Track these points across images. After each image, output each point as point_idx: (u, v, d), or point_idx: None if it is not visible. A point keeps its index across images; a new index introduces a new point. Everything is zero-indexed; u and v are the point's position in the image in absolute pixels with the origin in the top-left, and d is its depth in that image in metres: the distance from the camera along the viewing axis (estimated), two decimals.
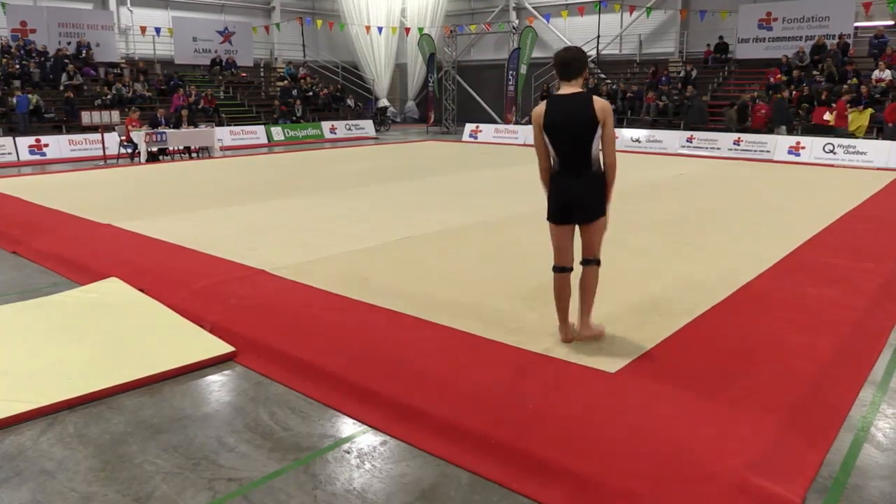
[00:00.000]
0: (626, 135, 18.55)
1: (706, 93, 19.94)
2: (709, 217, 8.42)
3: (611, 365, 3.82)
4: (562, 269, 4.05)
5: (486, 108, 27.61)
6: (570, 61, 3.80)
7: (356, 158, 16.20)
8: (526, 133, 19.74)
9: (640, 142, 18.09)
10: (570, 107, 3.74)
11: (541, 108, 3.84)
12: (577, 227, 3.98)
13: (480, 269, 5.92)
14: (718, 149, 16.83)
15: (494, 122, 24.72)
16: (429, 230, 7.54)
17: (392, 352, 4.03)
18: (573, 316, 4.20)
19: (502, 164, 14.93)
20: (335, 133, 22.16)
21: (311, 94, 23.55)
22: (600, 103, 3.73)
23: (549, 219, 3.98)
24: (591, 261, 4.04)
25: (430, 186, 11.19)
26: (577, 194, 3.83)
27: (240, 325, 4.52)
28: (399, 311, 4.73)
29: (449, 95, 25.86)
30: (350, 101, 25.14)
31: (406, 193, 10.38)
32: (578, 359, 3.90)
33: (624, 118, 20.13)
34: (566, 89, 3.83)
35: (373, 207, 9.10)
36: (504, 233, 7.30)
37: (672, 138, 17.80)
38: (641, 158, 16.07)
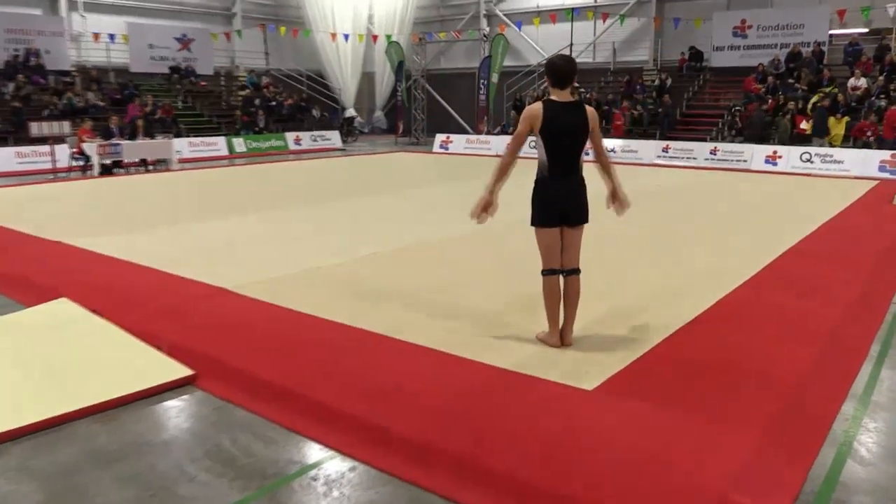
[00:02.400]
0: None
1: (681, 101, 20.34)
2: (685, 228, 8.56)
3: (588, 382, 3.84)
4: (553, 272, 4.26)
5: (457, 117, 27.79)
6: (567, 70, 4.06)
7: (322, 171, 16.15)
8: (499, 144, 19.93)
9: (615, 152, 18.34)
10: (568, 114, 4.03)
11: (537, 110, 4.05)
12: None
13: (452, 285, 5.94)
14: (695, 158, 17.16)
15: (466, 132, 24.87)
16: (398, 245, 7.56)
17: (360, 372, 4.00)
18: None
19: (474, 175, 15.03)
20: (300, 144, 22.10)
21: (274, 103, 23.47)
22: (591, 111, 4.11)
23: (540, 224, 4.18)
24: (575, 270, 4.33)
25: (399, 199, 11.21)
26: (573, 196, 4.15)
27: (199, 346, 4.46)
28: (368, 329, 4.72)
29: (418, 105, 26.00)
30: (315, 111, 25.10)
31: (375, 207, 10.38)
32: (555, 376, 3.92)
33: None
34: (560, 96, 4.07)
35: (340, 222, 9.09)
36: (477, 247, 7.34)
37: (648, 148, 18.08)
38: (617, 169, 16.27)
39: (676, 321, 4.88)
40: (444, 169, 16.67)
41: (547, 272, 4.26)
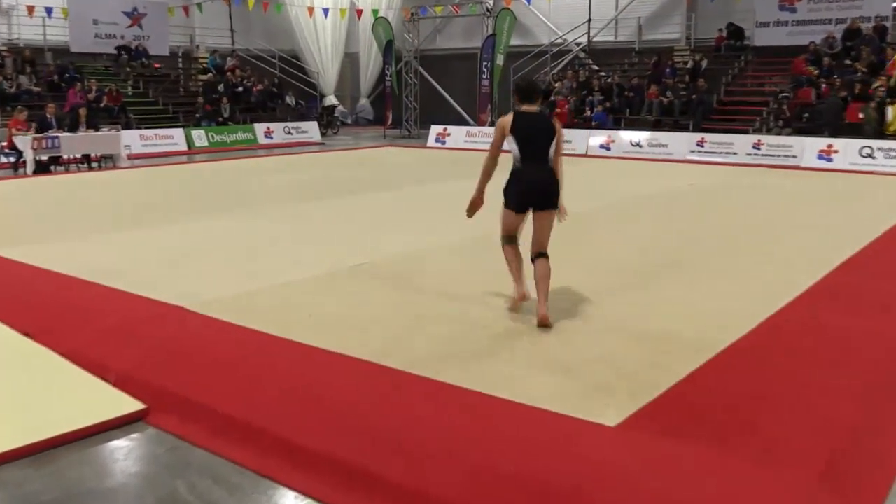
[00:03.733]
0: (623, 138, 18.89)
1: (719, 87, 20.43)
2: (723, 237, 8.58)
3: (611, 417, 3.84)
4: (511, 240, 5.63)
5: (456, 106, 27.89)
6: (532, 90, 5.59)
7: (298, 168, 16.16)
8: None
9: (640, 146, 18.41)
10: (534, 121, 5.46)
11: (508, 119, 5.45)
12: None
13: (447, 301, 5.96)
14: (735, 154, 17.21)
15: (466, 123, 24.95)
16: (386, 255, 7.58)
17: (342, 406, 4.00)
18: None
19: (475, 174, 15.14)
20: (271, 137, 22.16)
21: (241, 90, 23.54)
22: (555, 122, 5.57)
23: (508, 206, 5.53)
24: (543, 254, 5.52)
25: (388, 202, 11.24)
26: (543, 182, 5.41)
27: (152, 375, 4.46)
28: (350, 354, 4.73)
29: (410, 91, 26.08)
30: (290, 99, 25.18)
31: (359, 211, 10.41)
32: (572, 409, 3.92)
33: (622, 118, 20.52)
34: (528, 108, 5.49)
35: (318, 229, 9.12)
36: (475, 257, 7.38)
37: (679, 142, 18.16)
38: (643, 166, 16.35)
39: (715, 345, 4.88)
40: (441, 166, 16.71)
41: (504, 239, 5.64)
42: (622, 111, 20.67)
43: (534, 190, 5.43)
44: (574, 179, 14.55)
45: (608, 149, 18.86)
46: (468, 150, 20.02)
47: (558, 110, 20.41)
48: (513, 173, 5.48)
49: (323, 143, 22.76)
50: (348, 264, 7.15)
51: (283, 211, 10.43)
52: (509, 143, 5.43)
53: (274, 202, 11.21)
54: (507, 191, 5.50)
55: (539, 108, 5.62)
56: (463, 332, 5.23)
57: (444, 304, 5.93)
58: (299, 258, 7.44)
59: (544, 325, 5.28)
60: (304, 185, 13.15)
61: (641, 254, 7.57)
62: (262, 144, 21.78)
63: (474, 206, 5.66)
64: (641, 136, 18.65)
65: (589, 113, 20.83)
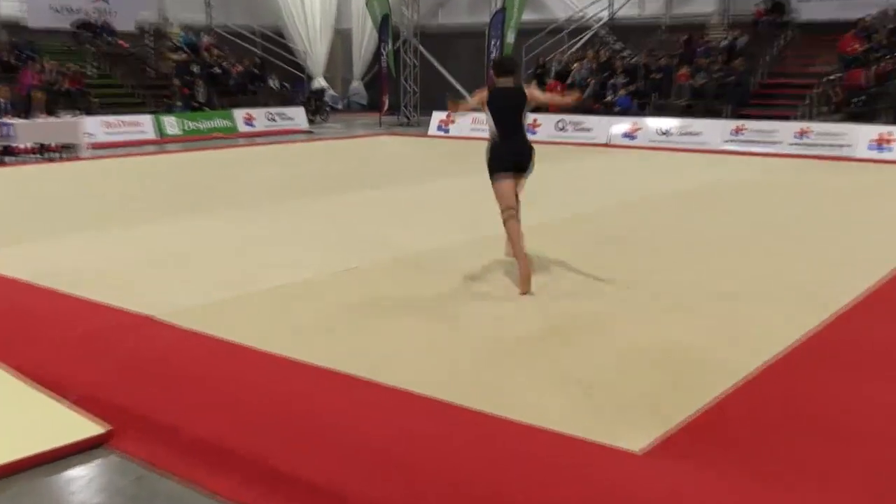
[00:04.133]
0: (650, 126, 18.87)
1: (758, 67, 20.38)
2: (765, 237, 8.56)
3: (636, 441, 3.83)
4: (512, 213, 6.55)
5: (461, 90, 27.86)
6: (509, 65, 7.00)
7: (283, 161, 16.18)
8: None
9: (670, 134, 18.39)
10: (509, 97, 6.69)
11: (485, 93, 6.74)
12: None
13: (446, 310, 5.97)
14: (778, 143, 17.17)
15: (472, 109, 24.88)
16: (378, 259, 7.60)
17: (328, 428, 4.00)
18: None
19: (482, 167, 15.21)
20: (252, 125, 22.22)
21: (219, 71, 23.56)
22: (526, 91, 6.83)
23: (495, 172, 6.60)
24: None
25: (384, 199, 11.25)
26: (520, 153, 6.65)
27: (117, 395, 4.45)
28: (338, 370, 4.72)
29: (409, 73, 26.07)
30: (273, 82, 25.19)
31: (350, 209, 10.45)
32: (593, 433, 3.90)
33: (647, 103, 20.50)
34: (504, 82, 6.74)
35: (303, 228, 9.14)
36: (478, 260, 7.41)
37: (713, 130, 18.15)
38: (672, 158, 16.32)
39: (756, 360, 4.86)
40: (443, 158, 16.72)
41: (505, 213, 6.57)
42: (648, 95, 20.67)
43: (513, 159, 6.66)
44: (593, 173, 14.66)
45: (633, 138, 18.89)
46: (475, 138, 19.70)
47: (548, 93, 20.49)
48: (493, 148, 6.71)
49: (311, 132, 22.81)
50: (338, 269, 7.16)
51: (266, 209, 10.44)
52: (486, 117, 6.71)
53: (256, 199, 11.22)
54: (489, 163, 6.69)
55: (515, 82, 6.83)
56: (466, 345, 5.23)
57: (443, 312, 5.94)
58: (281, 262, 7.46)
59: (527, 278, 6.42)
60: (289, 181, 13.17)
61: (668, 259, 7.55)
62: (241, 133, 21.85)
63: (455, 106, 7.19)
64: (670, 123, 18.64)
65: (611, 97, 20.85)
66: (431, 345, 5.23)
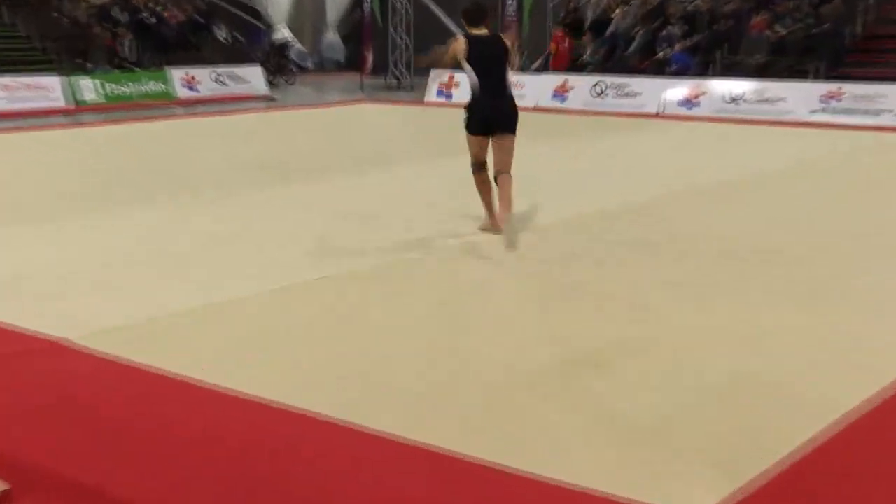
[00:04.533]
0: (715, 90, 18.85)
1: (857, 15, 20.29)
2: (865, 240, 8.53)
3: (699, 503, 3.84)
4: (480, 166, 8.13)
5: None
6: (480, 13, 7.90)
7: (234, 137, 16.11)
8: (539, 94, 20.26)
9: (741, 101, 18.32)
10: (490, 48, 7.85)
11: (461, 43, 7.80)
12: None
13: (446, 334, 5.96)
14: (888, 111, 17.09)
15: None
16: (361, 264, 7.60)
17: (287, 483, 3.96)
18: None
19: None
20: (195, 89, 22.29)
21: (151, 19, 23.52)
22: (505, 37, 8.20)
23: (470, 131, 8.06)
24: (504, 171, 7.96)
25: (366, 188, 11.23)
26: (502, 109, 7.92)
27: (17, 444, 4.43)
28: (300, 408, 4.68)
29: (400, 22, 26.02)
30: (222, 33, 25.17)
31: (323, 200, 10.42)
32: (637, 491, 3.90)
33: (711, 61, 20.50)
34: (478, 32, 7.85)
35: (264, 226, 9.15)
36: (485, 267, 7.42)
37: (798, 95, 18.12)
38: (744, 132, 16.26)
39: (849, 400, 4.80)
40: (445, 133, 16.59)
41: (474, 166, 8.17)
42: (713, 51, 20.67)
43: (494, 116, 7.91)
44: (641, 152, 14.66)
45: (693, 106, 18.96)
46: None
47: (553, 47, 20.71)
48: (473, 102, 7.95)
49: (272, 98, 22.87)
50: (306, 277, 7.16)
51: (213, 200, 10.42)
52: (467, 71, 7.82)
53: (200, 188, 11.19)
54: (468, 119, 8.01)
55: (489, 30, 7.97)
56: (467, 376, 5.18)
57: (437, 333, 5.93)
58: (224, 269, 7.47)
59: (499, 226, 7.89)
60: (243, 163, 13.09)
61: (740, 264, 7.55)
62: (181, 99, 21.89)
63: (427, 61, 9.23)
64: (742, 87, 18.63)
65: (664, 54, 20.87)
66: (423, 376, 5.20)
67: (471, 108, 7.90)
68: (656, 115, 18.77)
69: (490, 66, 7.75)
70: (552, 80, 21.43)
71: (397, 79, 25.58)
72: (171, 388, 5.06)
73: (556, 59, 22.63)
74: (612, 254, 7.69)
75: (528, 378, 5.19)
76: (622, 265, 7.36)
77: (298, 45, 29.32)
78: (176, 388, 5.05)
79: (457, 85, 21.61)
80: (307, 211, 9.73)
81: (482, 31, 7.77)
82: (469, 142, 8.08)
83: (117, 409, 4.82)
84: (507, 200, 7.82)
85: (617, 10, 22.43)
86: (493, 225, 8.14)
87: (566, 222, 8.71)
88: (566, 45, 21.71)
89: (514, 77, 8.27)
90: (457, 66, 8.17)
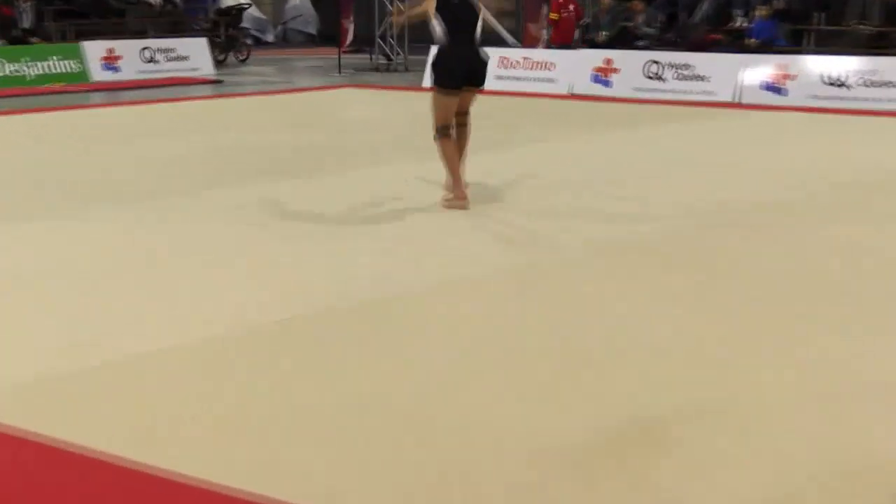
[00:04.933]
0: (810, 70, 19.03)
1: None
2: None
3: None
4: (447, 131, 9.64)
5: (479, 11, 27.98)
6: None
7: (169, 132, 16.32)
8: (575, 76, 20.81)
9: (844, 85, 18.34)
10: (461, 7, 9.74)
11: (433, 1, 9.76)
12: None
13: (408, 393, 6.02)
14: None
15: (497, 42, 24.88)
16: (334, 301, 7.74)
17: None
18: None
19: (511, 142, 15.20)
20: (117, 69, 22.63)
21: None
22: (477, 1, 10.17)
23: (444, 87, 9.65)
24: (465, 113, 9.98)
25: (340, 196, 11.24)
26: (473, 60, 9.71)
27: None
28: (261, 496, 4.56)
29: None
30: None
31: (286, 217, 10.51)
32: None
33: (804, 31, 20.59)
34: None
35: (204, 245, 9.40)
36: (479, 306, 7.51)
37: None
38: (850, 125, 16.50)
39: None
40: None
41: (442, 130, 9.63)
42: (806, 19, 20.71)
43: (467, 68, 9.62)
44: (709, 149, 14.69)
45: (781, 91, 19.14)
46: (501, 93, 19.78)
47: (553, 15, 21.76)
48: (440, 52, 9.73)
49: (219, 81, 23.24)
50: (264, 319, 7.22)
51: (137, 210, 10.51)
52: (437, 20, 9.50)
53: (126, 197, 11.25)
54: (438, 70, 9.80)
55: None
56: (478, 459, 5.02)
57: (437, 406, 5.80)
58: (162, 301, 7.61)
59: (467, 198, 9.80)
60: (182, 166, 13.26)
61: (862, 306, 7.42)
62: (98, 83, 22.28)
63: (400, 17, 12.21)
64: (846, 66, 18.72)
65: (742, 22, 21.07)
66: (424, 464, 5.04)
67: (445, 61, 9.65)
68: (730, 105, 18.95)
69: (459, 21, 9.47)
70: (591, 57, 21.70)
71: (387, 57, 25.63)
72: (62, 461, 4.98)
73: (558, 31, 22.92)
74: (688, 282, 7.59)
75: (560, 459, 5.07)
76: (706, 296, 7.25)
77: (256, 13, 29.51)
78: (67, 461, 4.98)
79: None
80: (259, 229, 9.70)
81: None
82: (441, 103, 9.66)
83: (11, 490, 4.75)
84: (464, 151, 10.05)
85: None
86: (459, 197, 9.83)
87: (631, 237, 8.52)
88: (571, 10, 21.66)
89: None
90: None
